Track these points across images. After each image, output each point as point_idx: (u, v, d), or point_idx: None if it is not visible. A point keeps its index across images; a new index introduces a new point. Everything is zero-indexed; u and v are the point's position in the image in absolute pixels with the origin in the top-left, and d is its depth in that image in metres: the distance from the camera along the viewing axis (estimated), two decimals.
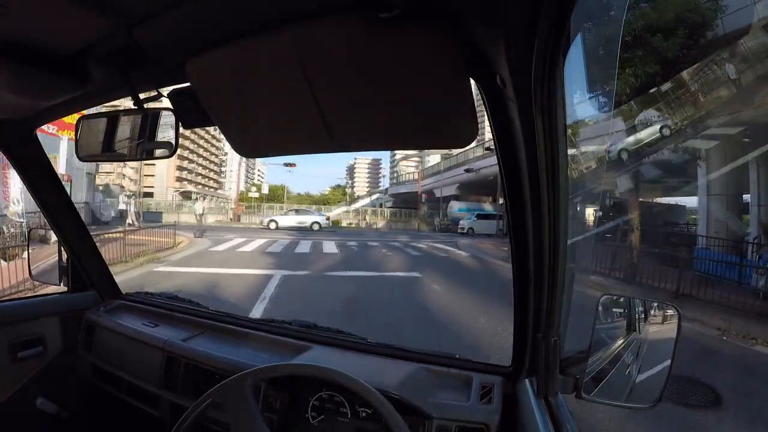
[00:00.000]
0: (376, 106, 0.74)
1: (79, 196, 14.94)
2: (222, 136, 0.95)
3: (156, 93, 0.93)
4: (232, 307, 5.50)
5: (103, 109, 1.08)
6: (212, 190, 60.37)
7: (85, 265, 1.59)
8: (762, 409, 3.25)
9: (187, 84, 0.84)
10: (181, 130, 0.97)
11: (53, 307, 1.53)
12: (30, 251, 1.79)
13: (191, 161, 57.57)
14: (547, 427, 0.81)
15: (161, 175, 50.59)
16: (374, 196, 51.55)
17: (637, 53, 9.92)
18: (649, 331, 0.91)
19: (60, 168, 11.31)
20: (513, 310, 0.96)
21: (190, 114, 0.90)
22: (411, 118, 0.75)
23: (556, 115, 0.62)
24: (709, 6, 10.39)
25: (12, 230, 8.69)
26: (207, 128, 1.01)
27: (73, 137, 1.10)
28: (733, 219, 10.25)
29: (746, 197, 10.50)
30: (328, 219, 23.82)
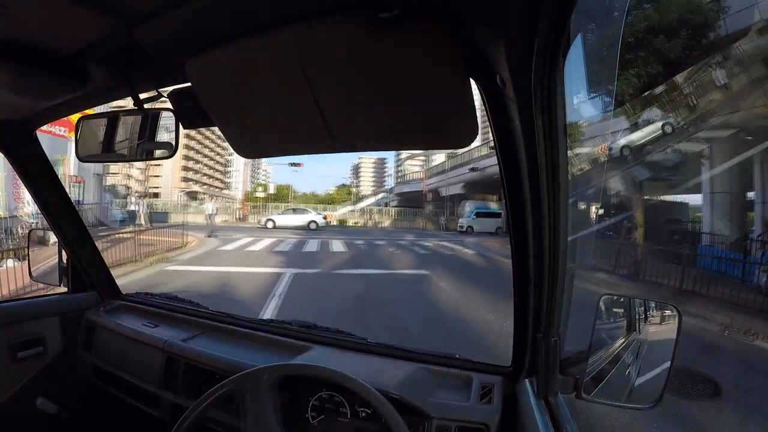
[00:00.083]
0: (376, 106, 0.74)
1: (88, 197, 15.03)
2: None
3: (156, 93, 0.93)
4: (246, 304, 5.66)
5: (104, 109, 1.08)
6: (218, 190, 60.34)
7: (85, 265, 1.59)
8: (760, 401, 3.34)
9: (187, 84, 0.84)
10: (183, 130, 0.97)
11: (53, 308, 1.53)
12: (30, 252, 1.79)
13: (197, 161, 57.61)
14: (547, 427, 0.81)
15: (167, 175, 50.66)
16: (379, 196, 51.57)
17: (640, 54, 9.95)
18: (649, 331, 0.91)
19: (70, 170, 11.35)
20: (513, 309, 0.97)
21: (190, 114, 0.90)
22: (411, 118, 0.74)
23: (556, 115, 0.62)
24: (712, 7, 10.40)
25: (24, 231, 8.77)
26: (212, 128, 1.01)
27: None
28: (737, 216, 10.25)
29: (750, 195, 10.50)
30: (325, 218, 23.77)
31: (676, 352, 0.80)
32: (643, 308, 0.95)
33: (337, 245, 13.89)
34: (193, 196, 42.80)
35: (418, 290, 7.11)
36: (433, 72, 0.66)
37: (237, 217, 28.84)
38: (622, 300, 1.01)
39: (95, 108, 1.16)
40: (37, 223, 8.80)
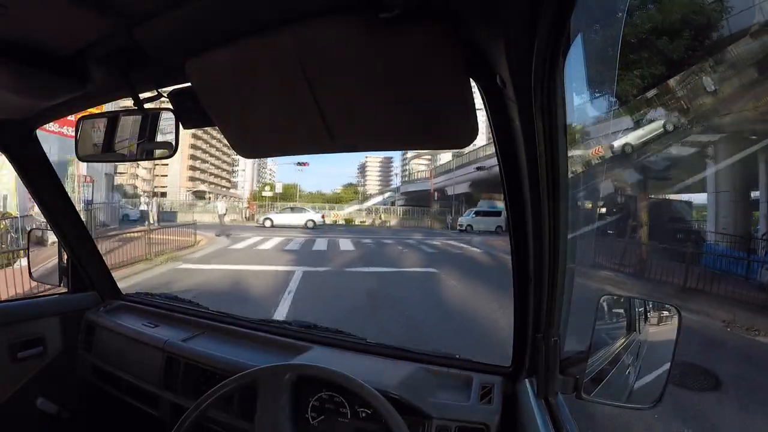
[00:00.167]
0: (376, 106, 0.74)
1: (98, 196, 15.10)
2: None
3: (156, 93, 0.93)
4: (260, 301, 5.77)
5: (103, 109, 1.08)
6: (225, 189, 60.53)
7: (85, 265, 1.59)
8: (758, 393, 3.43)
9: (187, 84, 0.84)
10: (189, 131, 0.97)
11: (53, 308, 1.53)
12: (30, 252, 1.79)
13: (203, 161, 57.76)
14: (547, 428, 0.81)
15: (174, 175, 50.90)
16: (386, 195, 51.72)
17: (643, 55, 9.97)
18: (649, 331, 0.91)
19: (81, 170, 11.38)
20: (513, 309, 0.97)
21: (190, 114, 0.90)
22: (411, 118, 0.74)
23: (556, 115, 0.62)
24: (715, 7, 10.42)
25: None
26: (216, 128, 1.01)
27: None
28: (741, 215, 10.27)
29: (755, 194, 10.53)
30: (323, 217, 23.86)
31: (677, 351, 0.80)
32: (643, 308, 0.95)
33: (346, 244, 13.99)
34: (200, 195, 43.02)
35: (428, 288, 7.16)
36: (433, 72, 0.66)
37: (244, 216, 29.02)
38: (622, 300, 1.01)
39: (95, 108, 1.16)
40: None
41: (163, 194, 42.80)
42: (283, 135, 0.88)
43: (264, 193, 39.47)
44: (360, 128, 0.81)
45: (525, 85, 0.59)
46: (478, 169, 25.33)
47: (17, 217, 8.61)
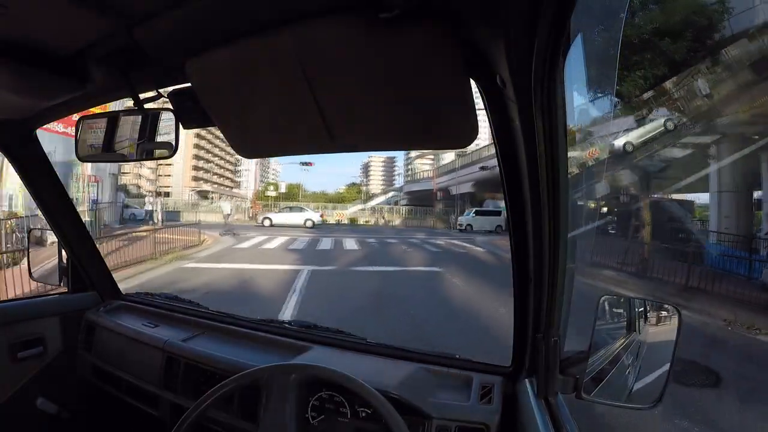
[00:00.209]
0: (376, 106, 0.74)
1: (104, 196, 15.20)
2: None
3: (156, 93, 0.93)
4: (268, 299, 5.85)
5: (108, 109, 1.08)
6: (228, 189, 60.57)
7: (85, 265, 1.59)
8: (757, 389, 3.52)
9: (187, 84, 0.84)
10: (188, 130, 0.97)
11: (53, 308, 1.53)
12: (30, 252, 1.79)
13: (207, 161, 57.76)
14: (547, 428, 0.81)
15: (178, 174, 50.88)
16: (389, 194, 51.80)
17: (646, 56, 10.00)
18: (649, 331, 0.91)
19: (88, 169, 11.43)
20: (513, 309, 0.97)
21: (190, 114, 0.90)
22: (411, 118, 0.74)
23: (556, 115, 0.62)
24: (717, 8, 10.44)
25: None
26: None
27: None
28: (743, 215, 10.28)
29: (758, 194, 10.54)
30: (322, 216, 23.92)
31: (677, 351, 0.80)
32: (643, 308, 0.95)
33: (350, 243, 14.10)
34: (203, 195, 43.12)
35: (433, 287, 7.21)
36: (433, 72, 0.66)
37: (249, 215, 29.16)
38: (622, 300, 1.01)
39: (95, 108, 1.16)
40: None
41: (167, 194, 42.93)
42: (283, 135, 0.88)
43: (268, 193, 39.60)
44: (360, 128, 0.81)
45: (525, 85, 0.59)
46: (482, 168, 25.33)
47: (24, 217, 8.66)
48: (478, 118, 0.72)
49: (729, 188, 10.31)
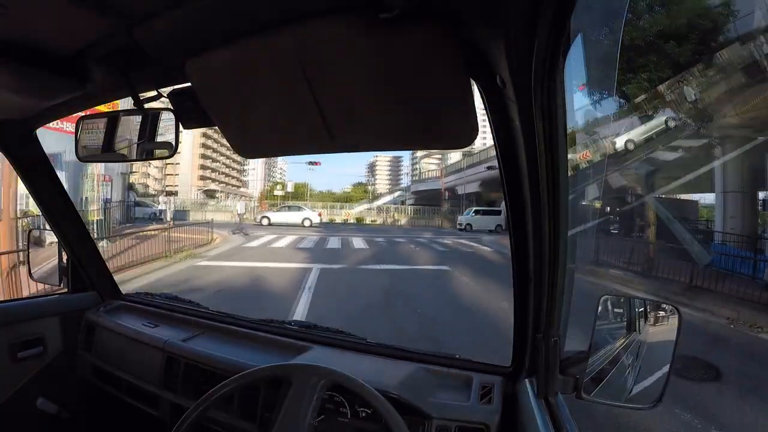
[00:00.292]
0: (376, 106, 0.74)
1: (114, 195, 15.26)
2: None
3: (156, 93, 0.93)
4: (280, 296, 5.90)
5: (104, 109, 1.08)
6: (235, 188, 60.61)
7: (85, 265, 1.59)
8: (757, 385, 3.57)
9: (187, 84, 0.84)
10: (186, 130, 0.97)
11: (53, 308, 1.53)
12: (30, 252, 1.79)
13: (214, 160, 57.85)
14: (547, 427, 0.81)
15: (185, 174, 50.98)
16: (396, 194, 51.73)
17: (651, 59, 10.03)
18: (649, 331, 0.91)
19: (99, 169, 11.48)
20: (513, 309, 0.97)
21: (190, 114, 0.90)
22: (411, 118, 0.74)
23: (556, 115, 0.62)
24: (721, 11, 10.46)
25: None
26: None
27: None
28: (748, 215, 10.30)
29: (763, 194, 10.56)
30: (320, 215, 23.91)
31: (677, 351, 0.80)
32: (643, 308, 0.95)
33: (358, 242, 14.20)
34: (210, 194, 43.23)
35: (441, 285, 7.27)
36: (433, 72, 0.66)
37: (254, 215, 29.28)
38: (622, 300, 1.01)
39: (95, 108, 1.16)
40: None
41: (174, 193, 43.05)
42: (283, 135, 0.88)
43: (275, 192, 39.66)
44: (360, 128, 0.81)
45: (525, 85, 0.59)
46: (489, 168, 25.29)
47: (38, 216, 8.71)
48: (479, 118, 0.72)
49: (734, 189, 10.33)
